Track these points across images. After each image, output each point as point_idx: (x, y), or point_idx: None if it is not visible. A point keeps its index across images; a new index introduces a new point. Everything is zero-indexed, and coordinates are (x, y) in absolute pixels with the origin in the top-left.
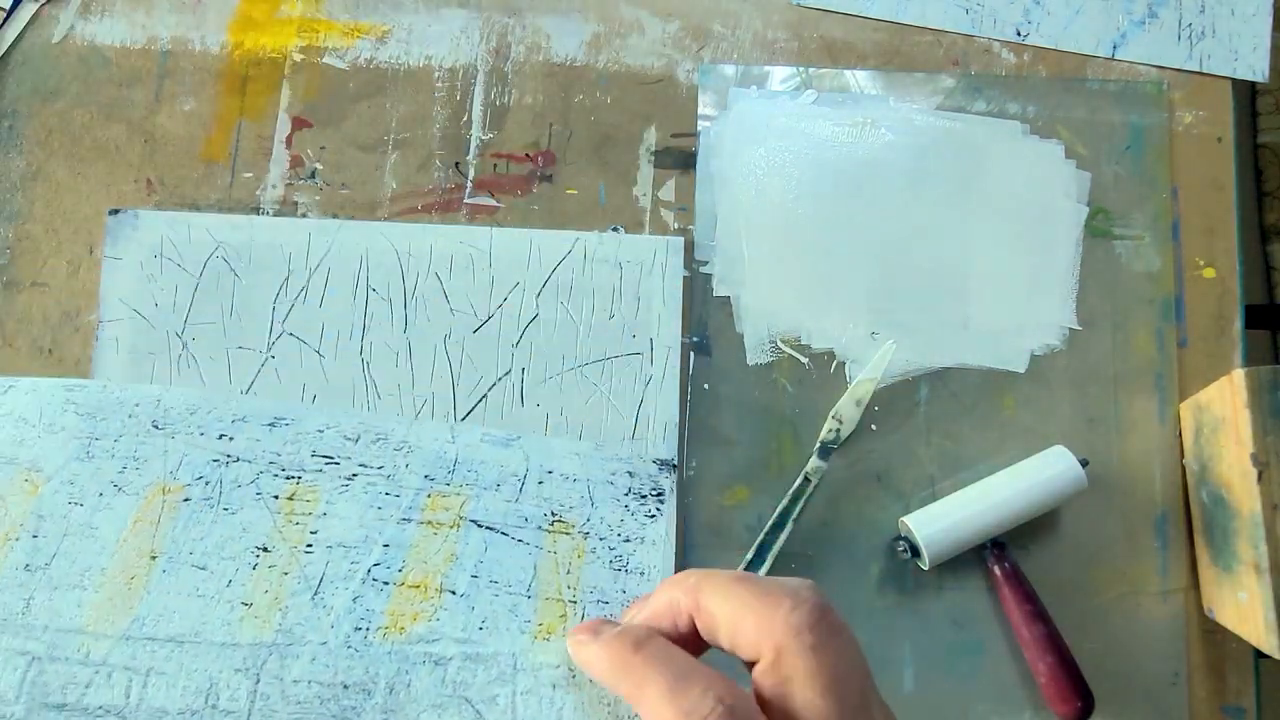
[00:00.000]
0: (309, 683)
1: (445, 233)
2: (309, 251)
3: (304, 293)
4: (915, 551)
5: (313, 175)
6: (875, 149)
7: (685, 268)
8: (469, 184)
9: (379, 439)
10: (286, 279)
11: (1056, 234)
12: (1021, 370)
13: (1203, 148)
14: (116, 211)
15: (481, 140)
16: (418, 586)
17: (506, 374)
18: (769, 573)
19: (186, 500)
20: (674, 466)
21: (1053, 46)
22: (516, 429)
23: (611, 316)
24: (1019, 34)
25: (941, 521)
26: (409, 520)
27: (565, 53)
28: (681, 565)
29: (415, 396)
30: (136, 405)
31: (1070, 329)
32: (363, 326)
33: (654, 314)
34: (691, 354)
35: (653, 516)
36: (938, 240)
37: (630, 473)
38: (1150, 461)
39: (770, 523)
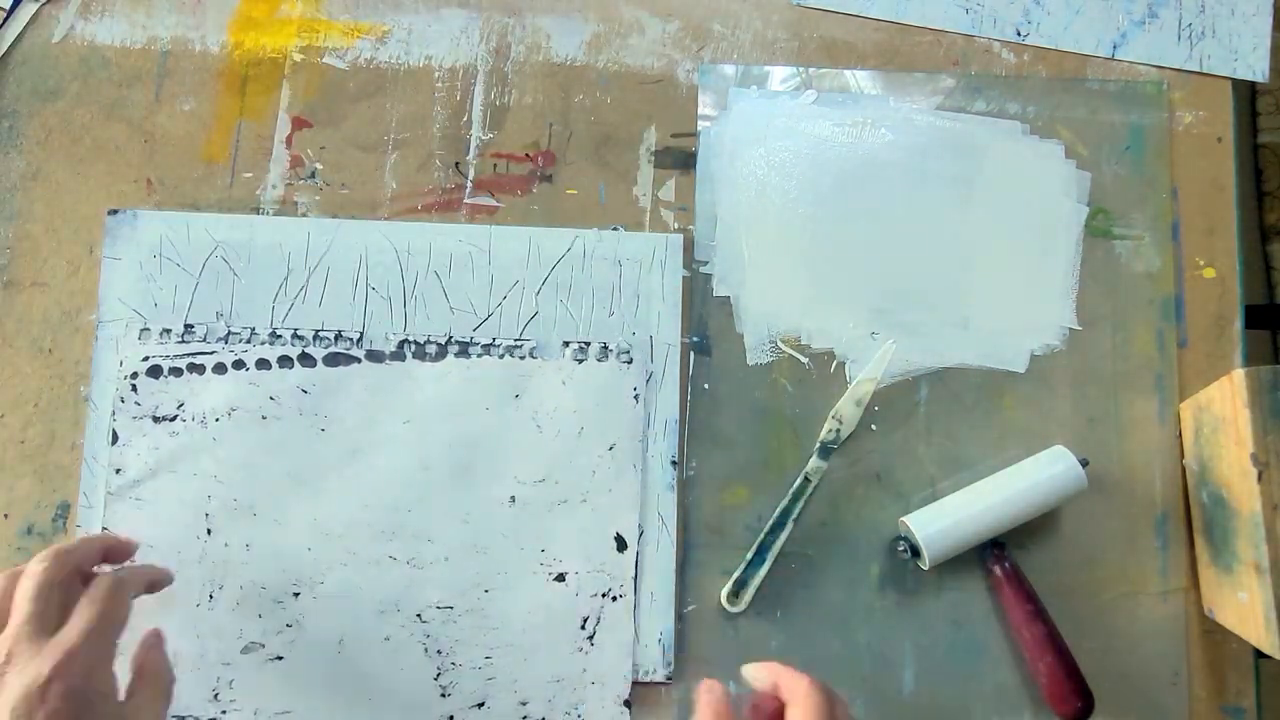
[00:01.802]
0: None
1: (444, 231)
2: (308, 250)
3: (303, 291)
4: (915, 551)
5: (313, 175)
6: (875, 149)
7: (685, 267)
8: (469, 184)
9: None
10: (286, 278)
11: (1056, 234)
12: (1021, 370)
13: (1203, 148)
14: (116, 212)
15: (481, 140)
16: None
17: None
18: (770, 572)
19: None
20: (674, 463)
21: (1053, 46)
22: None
23: (611, 314)
24: (1019, 34)
25: (941, 521)
26: None
27: (565, 53)
28: (682, 565)
29: None
30: None
31: (1070, 329)
32: (363, 325)
33: (654, 311)
34: (691, 354)
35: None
36: (938, 240)
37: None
38: (1150, 461)
39: (770, 523)
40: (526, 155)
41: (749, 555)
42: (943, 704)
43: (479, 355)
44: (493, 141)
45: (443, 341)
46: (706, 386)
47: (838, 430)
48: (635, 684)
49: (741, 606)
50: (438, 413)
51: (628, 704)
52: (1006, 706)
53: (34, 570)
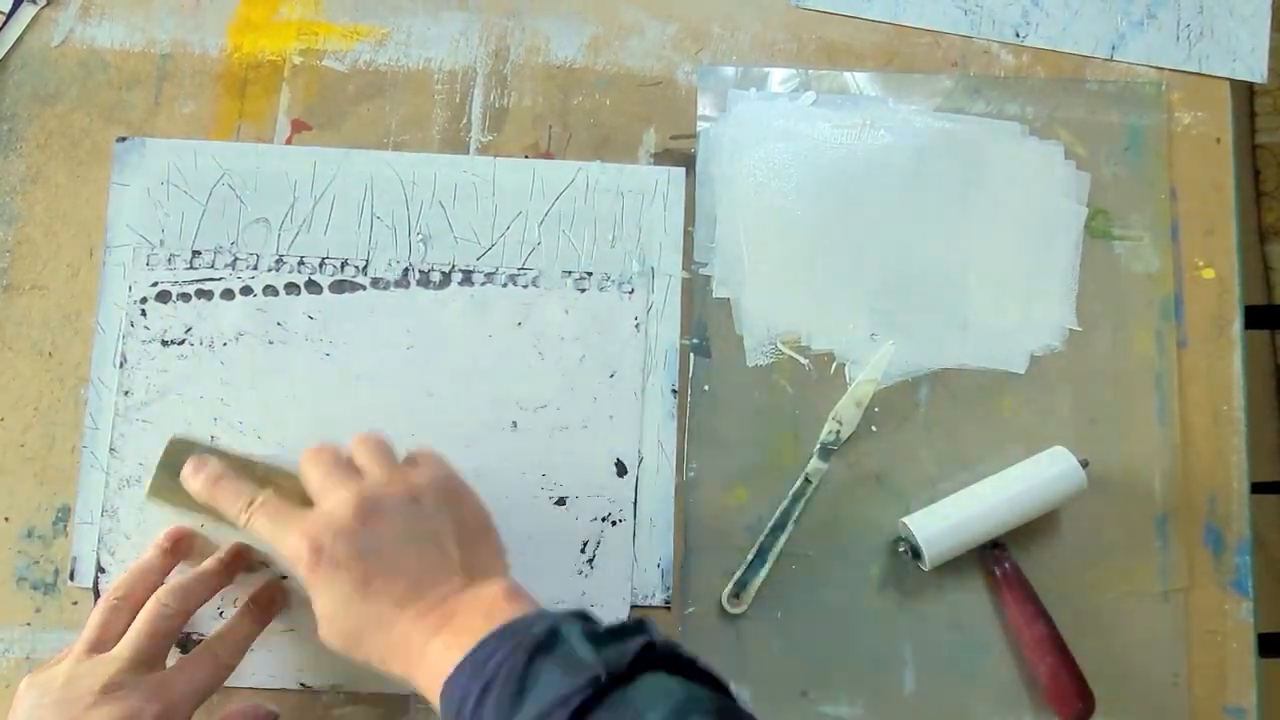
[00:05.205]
0: None
1: (450, 162)
2: (314, 179)
3: (309, 220)
4: (915, 552)
5: None
6: (874, 150)
7: (685, 269)
8: None
9: None
10: (292, 206)
11: (1056, 235)
12: (1021, 371)
13: (1201, 148)
14: (124, 139)
15: (481, 142)
16: None
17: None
18: (770, 573)
19: None
20: (674, 391)
21: (1051, 47)
22: None
23: (613, 245)
24: (1017, 35)
25: (942, 522)
26: None
27: (564, 55)
28: (683, 567)
29: None
30: None
31: (1070, 329)
32: (368, 253)
33: (655, 243)
34: (691, 355)
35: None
36: (937, 241)
37: None
38: (1150, 461)
39: (771, 524)
40: (526, 157)
41: (749, 556)
42: (943, 704)
43: (482, 284)
44: (492, 143)
45: (446, 270)
46: (706, 388)
47: (838, 431)
48: (634, 608)
49: (742, 608)
50: (441, 339)
51: None
52: (1006, 707)
53: (153, 610)
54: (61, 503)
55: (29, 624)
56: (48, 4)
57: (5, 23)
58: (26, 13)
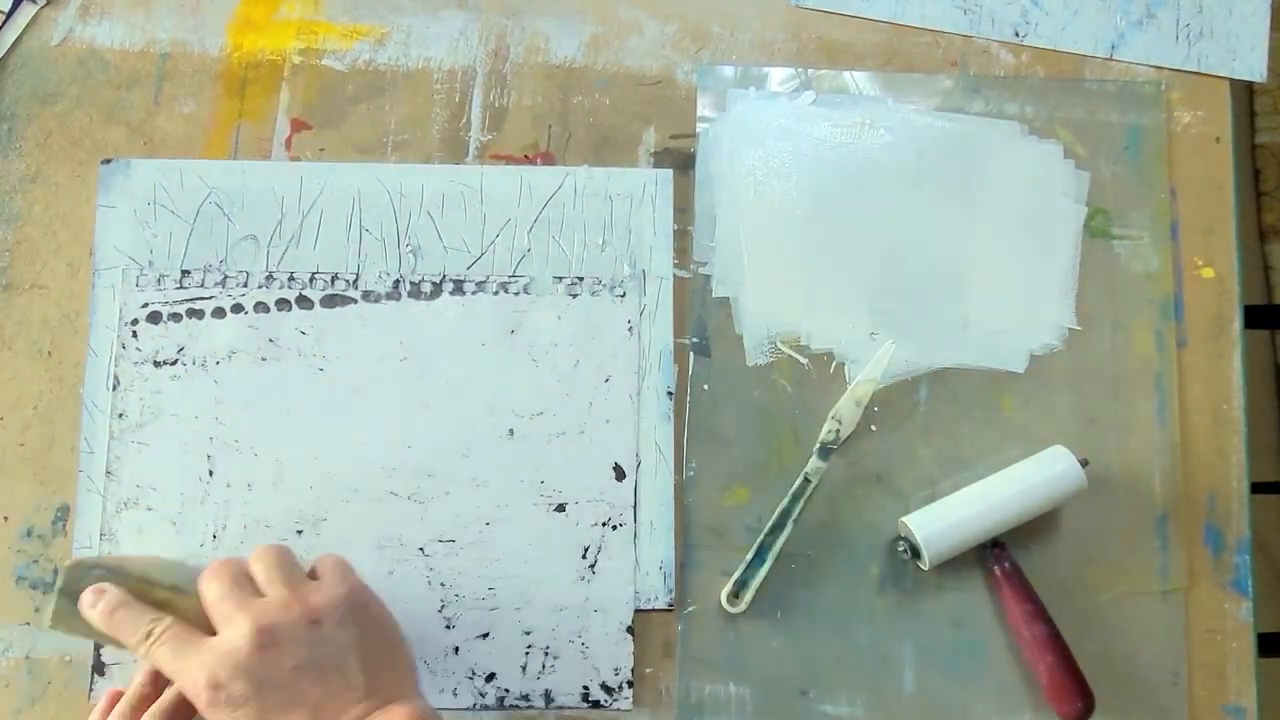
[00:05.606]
0: None
1: (437, 172)
2: (301, 194)
3: (298, 235)
4: (915, 552)
5: None
6: (874, 150)
7: (684, 268)
8: None
9: None
10: (280, 222)
11: (1055, 234)
12: (1021, 370)
13: (1201, 148)
14: (109, 161)
15: (481, 142)
16: None
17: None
18: (770, 573)
19: None
20: (670, 394)
21: (1051, 47)
22: None
23: (603, 249)
24: (1017, 34)
25: (941, 522)
26: None
27: (564, 54)
28: (683, 566)
29: None
30: None
31: (1069, 329)
32: (358, 267)
33: (645, 245)
34: (691, 355)
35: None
36: (937, 241)
37: None
38: (1150, 461)
39: (770, 523)
40: (525, 157)
41: (749, 556)
42: (943, 704)
43: (474, 293)
44: (492, 143)
45: (437, 280)
46: (706, 387)
47: (837, 431)
48: (637, 611)
49: (742, 607)
50: (435, 350)
51: (630, 631)
52: (1006, 706)
53: None
54: (60, 502)
55: (28, 623)
56: (48, 4)
57: (5, 22)
58: (26, 12)
